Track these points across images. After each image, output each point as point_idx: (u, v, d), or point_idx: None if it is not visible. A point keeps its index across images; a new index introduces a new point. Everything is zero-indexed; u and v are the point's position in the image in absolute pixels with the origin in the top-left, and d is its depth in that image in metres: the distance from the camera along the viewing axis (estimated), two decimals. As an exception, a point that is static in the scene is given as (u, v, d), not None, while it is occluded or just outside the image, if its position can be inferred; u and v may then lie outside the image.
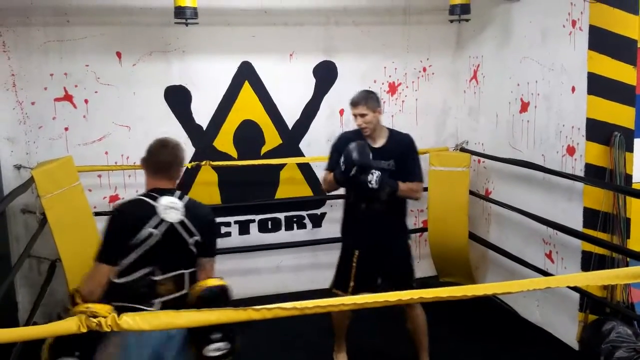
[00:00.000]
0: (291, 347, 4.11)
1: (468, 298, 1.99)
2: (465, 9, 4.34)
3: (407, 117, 5.14)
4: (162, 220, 2.40)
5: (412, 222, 5.31)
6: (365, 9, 4.87)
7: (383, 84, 5.04)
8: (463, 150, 4.98)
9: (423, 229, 5.26)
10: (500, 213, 4.75)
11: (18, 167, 4.31)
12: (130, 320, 1.50)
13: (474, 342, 4.20)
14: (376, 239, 3.48)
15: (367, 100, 3.41)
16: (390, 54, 5.01)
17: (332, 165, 3.55)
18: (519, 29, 4.39)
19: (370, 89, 3.70)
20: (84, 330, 1.50)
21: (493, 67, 4.77)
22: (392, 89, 5.08)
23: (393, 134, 3.55)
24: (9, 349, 3.41)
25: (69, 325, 1.50)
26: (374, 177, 3.22)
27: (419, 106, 5.17)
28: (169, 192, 2.51)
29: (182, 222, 2.46)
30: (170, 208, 2.44)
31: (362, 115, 3.40)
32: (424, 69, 5.12)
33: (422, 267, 5.33)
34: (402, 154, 3.44)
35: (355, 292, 3.44)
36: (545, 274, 4.11)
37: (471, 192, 4.86)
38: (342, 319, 3.70)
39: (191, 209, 2.51)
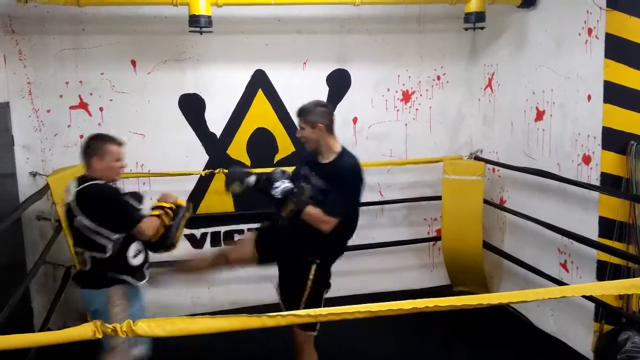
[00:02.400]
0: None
1: (483, 307, 1.96)
2: (480, 17, 4.33)
3: (421, 125, 5.13)
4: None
5: (425, 230, 5.30)
6: (379, 17, 4.87)
7: (397, 92, 5.04)
8: (477, 158, 4.95)
9: (437, 238, 5.23)
10: (515, 222, 4.71)
11: (34, 174, 4.34)
12: (145, 327, 1.50)
13: (488, 351, 4.16)
14: (283, 254, 3.32)
15: (306, 113, 3.16)
16: (404, 62, 5.00)
17: None
18: (534, 37, 4.37)
19: (321, 102, 3.45)
20: (99, 336, 1.50)
21: (508, 75, 4.74)
22: (406, 97, 5.07)
23: (341, 155, 3.20)
24: (24, 354, 3.43)
25: (84, 330, 1.50)
26: (280, 188, 3.06)
27: (432, 114, 5.15)
28: (79, 179, 3.01)
29: (68, 205, 3.00)
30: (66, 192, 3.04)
31: (301, 129, 3.19)
32: (438, 77, 5.11)
33: (436, 276, 5.32)
34: (332, 178, 3.11)
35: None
36: (560, 283, 4.06)
37: (485, 201, 4.82)
38: None
39: (80, 194, 2.94)
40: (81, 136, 4.44)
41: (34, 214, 4.29)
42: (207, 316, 1.54)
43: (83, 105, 4.47)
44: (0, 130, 4.05)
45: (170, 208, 3.21)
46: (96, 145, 3.00)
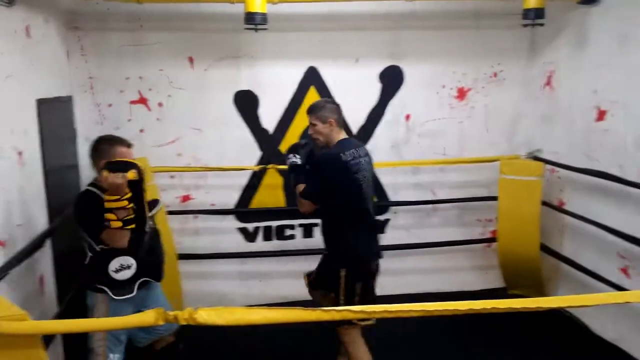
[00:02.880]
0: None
1: (539, 311, 1.90)
2: (539, 13, 4.20)
3: (477, 123, 5.04)
4: None
5: (479, 231, 5.21)
6: (434, 13, 4.81)
7: (452, 89, 4.96)
8: (536, 158, 4.82)
9: (492, 239, 5.13)
10: (574, 225, 4.56)
11: (96, 166, 4.49)
12: (205, 315, 1.53)
13: (543, 357, 4.06)
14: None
15: (318, 110, 3.36)
16: (460, 59, 4.92)
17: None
18: (596, 34, 4.22)
19: (329, 99, 3.62)
20: (161, 322, 1.54)
21: (568, 74, 4.60)
22: (461, 94, 4.99)
23: (334, 146, 3.36)
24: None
25: (147, 317, 1.54)
26: (290, 159, 3.35)
27: (489, 112, 5.05)
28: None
29: None
30: None
31: (313, 125, 3.37)
32: (495, 74, 5.00)
33: (490, 279, 5.21)
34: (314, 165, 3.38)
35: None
36: (620, 289, 3.92)
37: (544, 203, 4.69)
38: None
39: None
40: (141, 130, 4.59)
41: (94, 205, 4.44)
42: (265, 307, 1.56)
43: (142, 101, 4.60)
44: (64, 123, 4.20)
45: (129, 199, 2.74)
46: (105, 148, 2.92)
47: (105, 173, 2.67)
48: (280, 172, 4.83)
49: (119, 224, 2.71)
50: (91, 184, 2.95)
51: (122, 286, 2.95)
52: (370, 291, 3.41)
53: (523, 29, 4.65)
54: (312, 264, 4.97)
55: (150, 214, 3.00)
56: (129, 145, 2.99)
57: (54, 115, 3.83)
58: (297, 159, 3.38)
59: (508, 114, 5.09)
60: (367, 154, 3.40)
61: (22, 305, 2.48)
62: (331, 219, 3.35)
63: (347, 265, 3.27)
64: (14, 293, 2.87)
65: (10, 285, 2.80)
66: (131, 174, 2.71)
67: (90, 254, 2.92)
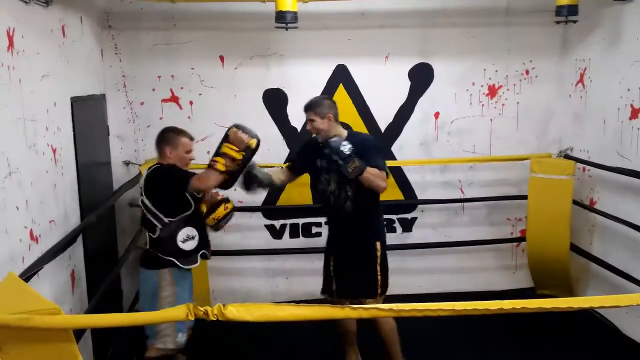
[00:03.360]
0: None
1: (568, 311, 1.88)
2: (572, 10, 4.14)
3: (507, 121, 4.98)
4: None
5: (508, 231, 5.15)
6: (465, 10, 4.77)
7: (482, 86, 4.91)
8: (567, 157, 4.74)
9: (521, 239, 5.07)
10: (605, 224, 4.48)
11: (127, 163, 4.58)
12: (235, 311, 1.56)
13: (573, 359, 4.01)
14: (344, 245, 3.53)
15: (316, 106, 3.41)
16: (491, 56, 4.87)
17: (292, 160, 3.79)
18: (630, 31, 4.13)
19: (325, 95, 3.68)
20: (192, 318, 1.57)
21: (601, 71, 4.51)
22: (492, 91, 4.93)
23: (351, 134, 3.48)
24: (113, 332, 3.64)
25: (178, 312, 1.58)
26: (347, 146, 3.19)
27: (520, 110, 4.99)
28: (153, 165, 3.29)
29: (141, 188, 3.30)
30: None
31: (312, 121, 3.42)
32: (527, 72, 4.93)
33: (518, 278, 5.16)
34: (358, 150, 3.27)
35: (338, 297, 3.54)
36: (653, 290, 3.84)
37: (574, 202, 4.62)
38: (350, 325, 3.69)
39: (148, 175, 3.25)
40: (172, 128, 4.65)
41: (126, 201, 4.54)
42: (292, 304, 1.58)
43: (174, 99, 4.66)
44: (97, 121, 4.29)
45: (242, 153, 3.10)
46: (170, 137, 3.29)
47: (234, 129, 3.10)
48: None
49: (223, 167, 3.05)
50: (157, 165, 3.28)
51: (190, 256, 3.23)
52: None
53: (555, 26, 4.60)
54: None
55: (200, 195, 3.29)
56: (191, 138, 3.37)
57: (87, 113, 3.92)
58: (349, 145, 3.25)
59: (539, 112, 5.02)
60: None
61: (54, 299, 2.56)
62: (373, 196, 3.41)
63: (382, 238, 3.49)
64: (47, 287, 2.94)
65: (43, 280, 2.87)
66: (252, 141, 3.09)
67: (152, 234, 3.19)
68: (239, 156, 3.07)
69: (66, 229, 3.29)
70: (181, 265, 3.20)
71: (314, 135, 3.50)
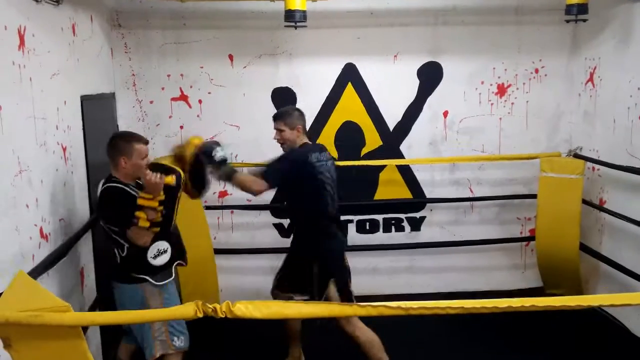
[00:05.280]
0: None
1: (576, 311, 1.87)
2: (582, 8, 4.11)
3: (517, 120, 4.96)
4: None
5: (518, 230, 5.13)
6: (475, 9, 4.75)
7: (491, 85, 4.89)
8: (577, 156, 4.72)
9: (530, 238, 5.05)
10: (614, 224, 4.45)
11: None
12: (243, 308, 1.57)
13: (581, 358, 4.00)
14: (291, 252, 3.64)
15: (286, 116, 3.45)
16: (500, 55, 4.85)
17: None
18: (641, 30, 4.11)
19: (295, 107, 3.70)
20: (200, 315, 1.58)
21: (611, 70, 4.48)
22: (501, 90, 4.91)
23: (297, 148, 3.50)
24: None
25: (186, 310, 1.58)
26: (219, 153, 3.22)
27: (529, 109, 4.96)
28: (106, 179, 3.05)
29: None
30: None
31: (280, 131, 3.45)
32: (536, 70, 4.91)
33: (527, 278, 5.14)
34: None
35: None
36: (663, 290, 3.81)
37: (584, 201, 4.59)
38: (296, 324, 3.70)
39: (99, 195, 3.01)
40: (181, 127, 4.68)
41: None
42: (301, 302, 1.58)
43: (183, 98, 4.68)
44: (106, 120, 4.31)
45: (161, 202, 2.88)
46: (123, 145, 3.01)
47: (147, 172, 2.83)
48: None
49: (147, 223, 2.82)
50: (111, 180, 3.02)
51: (162, 270, 3.06)
52: (345, 286, 3.47)
53: (565, 25, 4.57)
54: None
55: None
56: (146, 142, 3.09)
57: (97, 112, 3.94)
58: (225, 153, 3.32)
59: (549, 111, 4.99)
60: (330, 158, 3.57)
61: (64, 297, 2.57)
62: (301, 215, 3.49)
63: (319, 260, 3.42)
64: (57, 285, 2.97)
65: (53, 277, 2.89)
66: (169, 179, 2.89)
67: (121, 252, 2.99)
68: (156, 204, 2.83)
69: (76, 227, 3.32)
70: (155, 283, 3.02)
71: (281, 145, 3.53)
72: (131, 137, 3.06)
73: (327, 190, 3.45)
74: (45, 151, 2.95)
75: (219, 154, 3.24)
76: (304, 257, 3.47)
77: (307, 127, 4.77)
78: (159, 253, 3.03)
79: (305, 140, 3.54)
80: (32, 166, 2.73)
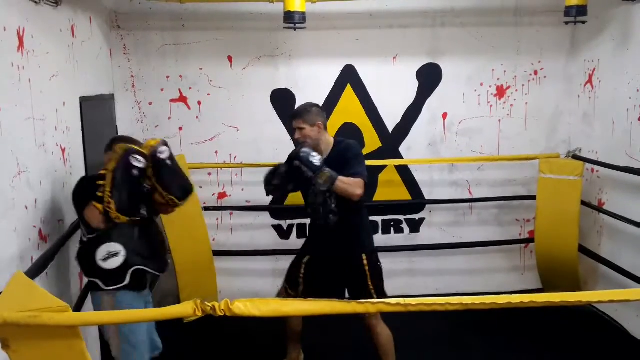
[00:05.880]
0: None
1: (574, 312, 1.87)
2: (581, 10, 4.12)
3: (516, 121, 4.96)
4: None
5: (517, 231, 5.13)
6: (474, 10, 4.76)
7: (490, 86, 4.90)
8: (575, 157, 4.72)
9: (529, 240, 5.05)
10: (613, 226, 4.45)
11: (135, 163, 4.59)
12: (242, 306, 1.56)
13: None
14: (326, 250, 3.42)
15: (305, 114, 3.37)
16: (499, 56, 4.86)
17: None
18: (639, 32, 4.11)
19: (313, 103, 3.51)
20: (199, 314, 1.58)
21: (610, 72, 4.49)
22: (500, 92, 4.92)
23: (338, 142, 3.43)
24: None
25: (185, 308, 1.58)
26: (317, 156, 3.13)
27: (528, 110, 4.96)
28: None
29: None
30: None
31: (300, 129, 3.37)
32: (535, 72, 4.91)
33: (527, 280, 5.14)
34: (341, 158, 3.29)
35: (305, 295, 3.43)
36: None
37: (583, 203, 4.59)
38: (297, 324, 3.67)
39: None
40: (180, 128, 4.68)
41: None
42: (299, 299, 1.58)
43: (183, 99, 4.69)
44: (106, 121, 4.31)
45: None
46: (113, 147, 2.96)
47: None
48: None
49: (99, 206, 2.70)
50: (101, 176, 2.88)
51: (116, 275, 2.83)
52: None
53: (564, 26, 4.58)
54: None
55: None
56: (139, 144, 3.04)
57: (96, 113, 3.94)
58: (319, 155, 3.22)
59: (548, 112, 5.00)
60: None
61: (62, 297, 2.56)
62: (355, 206, 3.30)
63: (369, 248, 3.40)
64: (55, 286, 2.95)
65: (51, 277, 2.88)
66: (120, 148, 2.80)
67: (79, 243, 2.91)
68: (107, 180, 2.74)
69: (74, 228, 3.30)
70: (103, 287, 2.82)
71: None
72: (130, 142, 3.02)
73: None
74: (44, 152, 2.94)
75: (317, 157, 3.14)
76: (352, 254, 3.37)
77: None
78: (109, 255, 2.81)
79: (329, 137, 3.44)
80: (31, 167, 2.72)
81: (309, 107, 3.45)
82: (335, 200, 3.17)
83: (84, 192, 2.83)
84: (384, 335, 3.41)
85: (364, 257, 3.36)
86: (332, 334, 4.13)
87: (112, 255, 2.81)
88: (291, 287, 3.54)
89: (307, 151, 3.16)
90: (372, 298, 3.20)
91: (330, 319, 3.38)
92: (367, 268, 3.34)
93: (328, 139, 3.42)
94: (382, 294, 3.40)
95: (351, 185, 3.15)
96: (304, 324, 3.70)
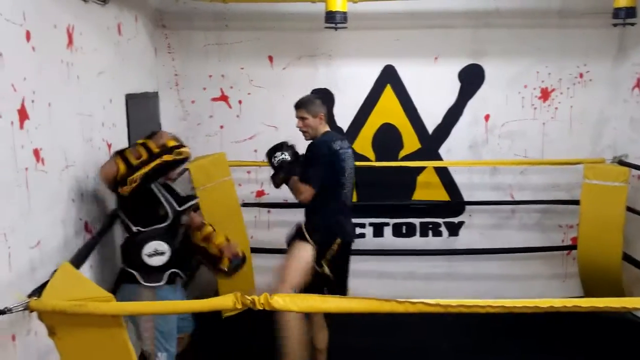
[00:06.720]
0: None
1: (627, 310, 1.81)
2: (630, 12, 4.00)
3: (560, 125, 4.85)
4: None
5: (559, 238, 5.02)
6: (518, 11, 4.68)
7: (535, 89, 4.81)
8: (621, 163, 4.59)
9: (572, 247, 4.93)
10: (660, 233, 4.32)
11: (177, 160, 4.67)
12: (281, 300, 1.57)
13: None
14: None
15: (309, 104, 3.50)
16: (544, 58, 4.76)
17: None
18: (693, 33, 3.97)
19: (315, 95, 3.71)
20: (239, 306, 1.59)
21: (660, 75, 4.35)
22: (545, 94, 4.82)
23: (320, 137, 3.54)
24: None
25: (225, 301, 1.60)
26: (278, 157, 3.43)
27: (573, 114, 4.85)
28: None
29: None
30: None
31: (302, 119, 3.50)
32: (581, 75, 4.80)
33: (568, 287, 5.02)
34: (306, 155, 3.49)
35: None
36: None
37: (628, 209, 4.46)
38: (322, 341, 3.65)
39: None
40: (221, 127, 4.74)
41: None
42: (338, 296, 1.58)
43: (224, 98, 4.74)
44: (150, 118, 4.39)
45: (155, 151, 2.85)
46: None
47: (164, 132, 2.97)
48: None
49: (122, 166, 2.77)
50: None
51: (155, 273, 2.92)
52: (344, 270, 3.60)
53: (611, 29, 4.45)
54: (383, 264, 4.99)
55: (181, 208, 3.05)
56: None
57: (141, 110, 4.02)
58: (287, 156, 3.47)
59: (593, 116, 4.87)
60: (349, 147, 3.62)
61: (105, 288, 2.62)
62: (320, 196, 3.41)
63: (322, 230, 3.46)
64: (98, 276, 3.03)
65: (95, 268, 2.96)
66: (170, 142, 2.89)
67: (124, 235, 3.01)
68: (145, 155, 2.82)
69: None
70: (141, 282, 2.89)
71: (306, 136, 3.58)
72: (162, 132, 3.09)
73: (345, 177, 3.48)
74: (91, 147, 3.02)
75: (278, 157, 3.39)
76: (306, 229, 3.48)
77: (345, 129, 4.84)
78: (155, 253, 2.90)
79: (327, 128, 3.59)
80: (78, 162, 2.80)
81: (312, 98, 3.62)
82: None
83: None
84: (293, 327, 3.36)
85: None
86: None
87: (158, 253, 2.90)
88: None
89: (274, 149, 3.45)
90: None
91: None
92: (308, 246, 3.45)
93: (322, 131, 3.55)
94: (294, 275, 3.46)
95: (295, 189, 3.40)
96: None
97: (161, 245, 2.90)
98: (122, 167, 2.76)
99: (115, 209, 3.09)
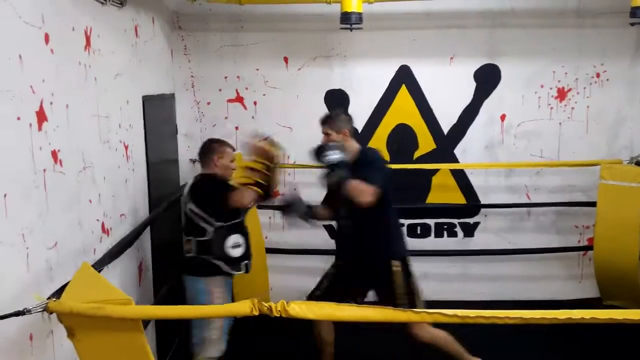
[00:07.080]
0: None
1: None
2: (649, 11, 3.96)
3: (577, 125, 4.82)
4: None
5: (575, 238, 4.98)
6: (534, 11, 4.65)
7: (551, 89, 4.77)
8: (638, 164, 4.54)
9: (588, 247, 4.89)
10: (678, 235, 4.26)
11: (193, 161, 4.67)
12: (297, 308, 1.58)
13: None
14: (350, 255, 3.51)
15: (332, 120, 3.46)
16: (561, 58, 4.72)
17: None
18: None
19: (342, 110, 3.67)
20: (256, 313, 1.61)
21: (679, 74, 4.29)
22: (561, 94, 4.78)
23: (363, 151, 3.51)
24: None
25: (242, 307, 1.61)
26: (331, 155, 3.24)
27: (590, 114, 4.81)
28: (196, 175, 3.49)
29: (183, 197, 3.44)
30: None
31: (326, 135, 3.45)
32: (598, 75, 4.75)
33: (585, 288, 4.98)
34: (361, 168, 3.31)
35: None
36: None
37: (645, 210, 4.42)
38: (327, 337, 3.65)
39: (193, 184, 3.42)
40: (236, 128, 4.76)
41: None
42: (354, 305, 1.58)
43: (239, 99, 4.77)
44: (166, 120, 4.43)
45: (264, 164, 3.26)
46: (216, 147, 3.45)
47: (254, 141, 3.30)
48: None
49: (262, 177, 3.19)
50: (203, 174, 3.43)
51: (236, 262, 3.34)
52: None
53: (628, 28, 4.40)
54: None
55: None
56: (234, 148, 3.55)
57: (157, 111, 4.05)
58: (341, 155, 3.27)
59: (610, 117, 4.83)
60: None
61: (122, 289, 2.65)
62: (379, 213, 3.31)
63: (400, 257, 3.40)
64: (117, 278, 3.06)
65: (113, 270, 2.98)
66: (273, 149, 3.31)
67: (210, 230, 3.28)
68: (260, 166, 3.23)
69: (135, 222, 3.42)
70: (228, 270, 3.32)
71: None
72: (223, 141, 3.51)
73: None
74: (108, 149, 3.05)
75: (332, 155, 3.25)
76: (375, 260, 3.40)
77: (360, 129, 4.83)
78: (236, 245, 3.32)
79: (355, 143, 3.49)
80: (95, 163, 2.82)
81: (337, 113, 3.58)
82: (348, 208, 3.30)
83: (216, 186, 3.32)
84: (438, 338, 3.39)
85: (392, 263, 3.38)
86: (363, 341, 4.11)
87: (237, 245, 3.33)
88: (317, 287, 3.64)
89: (322, 148, 3.32)
90: (401, 304, 3.25)
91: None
92: (394, 277, 3.36)
93: (353, 147, 3.46)
94: (412, 300, 3.37)
95: (356, 189, 3.13)
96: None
97: (238, 238, 3.35)
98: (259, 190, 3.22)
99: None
